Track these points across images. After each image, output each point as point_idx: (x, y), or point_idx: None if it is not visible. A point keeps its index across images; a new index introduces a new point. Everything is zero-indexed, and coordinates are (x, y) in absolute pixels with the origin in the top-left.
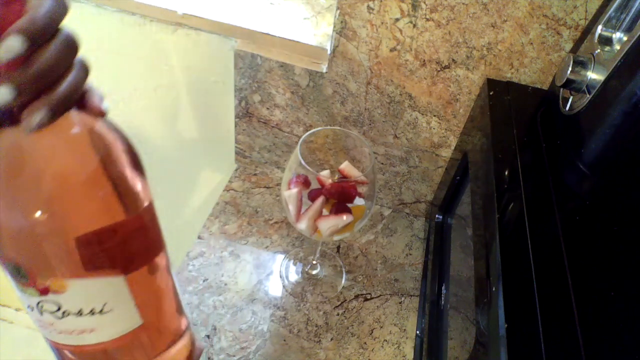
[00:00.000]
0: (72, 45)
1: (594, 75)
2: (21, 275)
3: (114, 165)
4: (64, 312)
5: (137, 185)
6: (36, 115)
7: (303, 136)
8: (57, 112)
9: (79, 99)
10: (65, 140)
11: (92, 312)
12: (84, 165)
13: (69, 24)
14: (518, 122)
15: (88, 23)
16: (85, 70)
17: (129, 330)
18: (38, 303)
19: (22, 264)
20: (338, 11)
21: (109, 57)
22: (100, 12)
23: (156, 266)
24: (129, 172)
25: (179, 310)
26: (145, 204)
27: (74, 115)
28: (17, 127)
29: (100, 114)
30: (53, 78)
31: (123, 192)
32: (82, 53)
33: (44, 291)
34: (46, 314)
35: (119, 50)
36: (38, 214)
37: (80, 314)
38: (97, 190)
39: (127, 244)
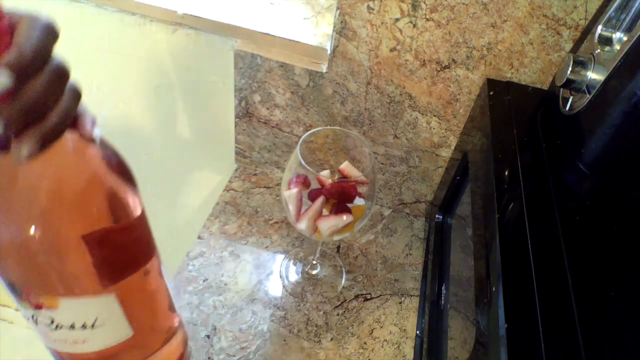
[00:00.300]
0: (62, 75)
1: (594, 75)
2: (16, 291)
3: (105, 182)
4: (57, 325)
5: (128, 198)
6: (25, 147)
7: (303, 136)
8: (46, 142)
9: (71, 122)
10: (57, 159)
11: (83, 326)
12: (75, 183)
13: (69, 24)
14: (518, 122)
15: (88, 23)
16: (76, 97)
17: (121, 341)
18: (32, 315)
19: (15, 281)
20: (338, 11)
21: (109, 57)
22: (100, 12)
23: (148, 271)
24: (120, 187)
25: (172, 309)
26: (137, 213)
27: (65, 134)
28: (8, 153)
29: (91, 141)
30: (42, 109)
31: (114, 207)
32: (84, 53)
33: (38, 306)
34: (41, 325)
35: (119, 50)
36: (31, 230)
37: (73, 328)
38: (88, 206)
39: (119, 255)
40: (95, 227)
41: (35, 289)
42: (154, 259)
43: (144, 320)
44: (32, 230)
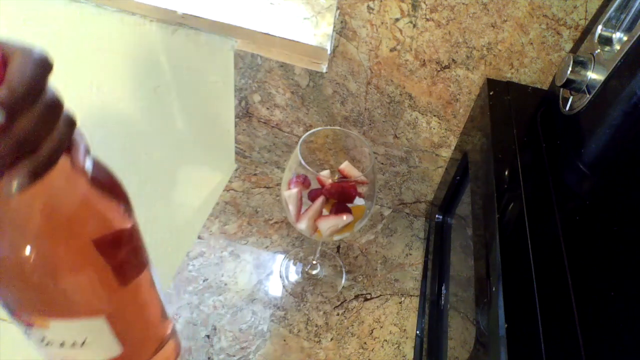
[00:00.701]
0: (55, 107)
1: (594, 75)
2: (8, 308)
3: (96, 206)
4: (47, 343)
5: (120, 219)
6: (15, 181)
7: (303, 136)
8: (37, 175)
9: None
10: (48, 184)
11: (73, 345)
12: (66, 207)
13: (69, 24)
14: (518, 122)
15: (88, 23)
16: (70, 126)
17: (111, 358)
18: (25, 330)
19: (6, 302)
20: (338, 11)
21: (109, 57)
22: (100, 12)
23: (139, 286)
24: (112, 209)
25: (164, 317)
26: (129, 232)
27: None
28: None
29: (83, 170)
30: (34, 142)
31: (105, 230)
32: (84, 53)
33: (29, 325)
34: (32, 340)
35: (119, 50)
36: (21, 254)
37: (63, 346)
38: (79, 230)
39: (110, 275)
40: (86, 251)
41: (26, 310)
42: (145, 271)
43: (134, 335)
44: (23, 253)
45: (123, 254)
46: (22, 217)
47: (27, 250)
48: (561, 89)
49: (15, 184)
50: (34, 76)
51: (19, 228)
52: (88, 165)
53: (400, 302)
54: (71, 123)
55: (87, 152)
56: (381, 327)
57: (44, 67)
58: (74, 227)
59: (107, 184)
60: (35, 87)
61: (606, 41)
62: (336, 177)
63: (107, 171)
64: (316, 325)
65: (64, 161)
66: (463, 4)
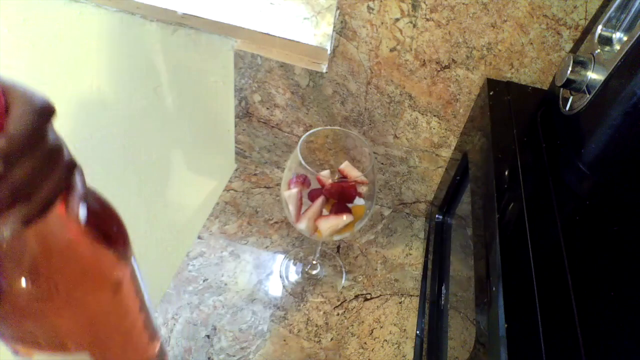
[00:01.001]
0: (55, 154)
1: (594, 75)
2: None
3: (89, 246)
4: None
5: (112, 266)
6: (8, 227)
7: (303, 136)
8: (30, 222)
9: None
10: (40, 225)
11: None
12: (57, 246)
13: (69, 24)
14: (518, 122)
15: (88, 23)
16: (69, 171)
17: None
18: (11, 352)
19: None
20: (338, 11)
21: (109, 57)
22: (100, 12)
23: (130, 325)
24: (104, 254)
25: (152, 339)
26: (119, 274)
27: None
28: None
29: (76, 218)
30: (30, 189)
31: (98, 270)
32: (84, 53)
33: (15, 351)
34: None
35: (119, 50)
36: (8, 289)
37: None
38: (70, 270)
39: (99, 315)
40: (72, 293)
41: (10, 340)
42: (139, 314)
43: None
44: (9, 288)
45: (111, 299)
46: (9, 254)
47: (14, 284)
48: (561, 89)
49: (6, 232)
50: (35, 125)
51: (6, 263)
52: (82, 212)
53: (400, 302)
54: (70, 167)
55: (84, 196)
56: (381, 327)
57: (46, 114)
58: (62, 269)
59: (103, 229)
60: (35, 136)
61: (606, 41)
62: (336, 177)
63: (106, 215)
64: (316, 325)
65: (58, 205)
66: (463, 4)
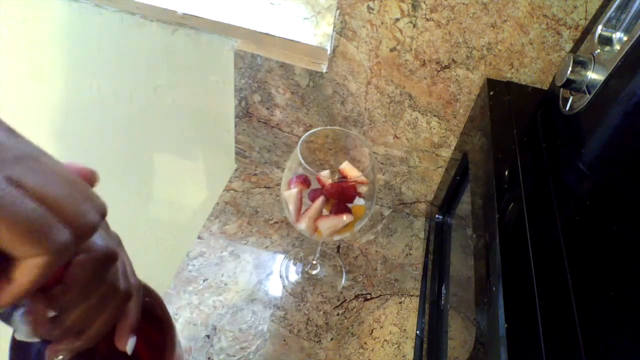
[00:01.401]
0: (111, 294)
1: (594, 75)
2: None
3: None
4: None
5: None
6: (59, 355)
7: (303, 136)
8: (78, 352)
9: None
10: None
11: None
12: None
13: (69, 24)
14: (518, 122)
15: (88, 23)
16: (123, 304)
17: None
18: None
19: None
20: (338, 11)
21: (109, 57)
22: (100, 12)
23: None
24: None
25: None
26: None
27: None
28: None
29: (123, 346)
30: (83, 327)
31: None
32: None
33: None
34: None
35: (119, 50)
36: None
37: None
38: None
39: None
40: None
41: None
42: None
43: None
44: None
45: None
46: None
47: None
48: (561, 89)
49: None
50: (94, 275)
51: None
52: (131, 344)
53: (400, 302)
54: (126, 299)
55: (135, 326)
56: (381, 327)
57: (107, 262)
58: None
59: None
60: (92, 285)
61: (606, 41)
62: (336, 177)
63: (156, 327)
64: (316, 325)
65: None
66: (463, 4)
